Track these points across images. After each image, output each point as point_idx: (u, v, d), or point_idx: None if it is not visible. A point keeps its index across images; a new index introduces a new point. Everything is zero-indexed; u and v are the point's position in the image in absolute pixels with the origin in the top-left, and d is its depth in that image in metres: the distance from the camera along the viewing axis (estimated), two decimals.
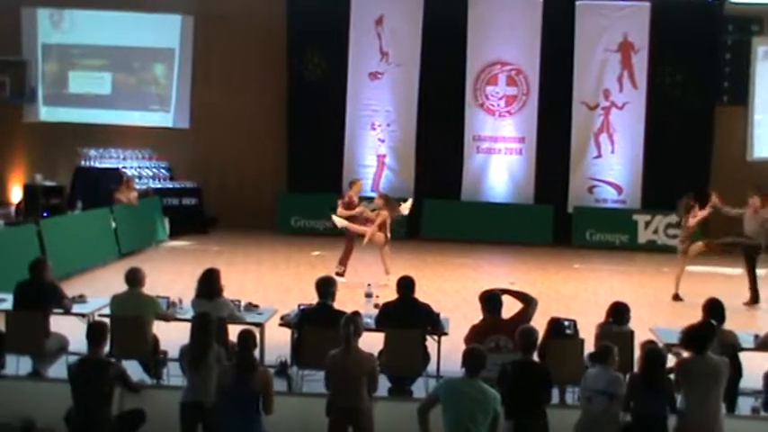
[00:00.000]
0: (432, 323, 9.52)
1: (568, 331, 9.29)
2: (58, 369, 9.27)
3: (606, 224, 21.14)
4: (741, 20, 21.42)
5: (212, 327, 7.98)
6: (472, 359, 7.29)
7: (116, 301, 9.64)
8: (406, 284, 9.66)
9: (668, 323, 10.91)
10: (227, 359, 7.87)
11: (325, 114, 21.65)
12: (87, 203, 18.55)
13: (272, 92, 22.01)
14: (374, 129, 21.86)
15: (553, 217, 21.23)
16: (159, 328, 9.71)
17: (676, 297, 14.84)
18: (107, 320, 8.88)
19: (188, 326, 8.12)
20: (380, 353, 9.03)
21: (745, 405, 9.12)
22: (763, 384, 9.19)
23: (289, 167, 22.13)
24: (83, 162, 20.87)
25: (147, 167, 21.18)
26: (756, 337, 9.64)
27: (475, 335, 8.67)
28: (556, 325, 9.21)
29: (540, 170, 21.52)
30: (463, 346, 7.86)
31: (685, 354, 8.09)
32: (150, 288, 10.04)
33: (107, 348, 8.42)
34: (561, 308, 12.75)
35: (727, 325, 9.08)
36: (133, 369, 9.40)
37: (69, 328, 9.79)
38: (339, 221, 15.68)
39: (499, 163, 21.76)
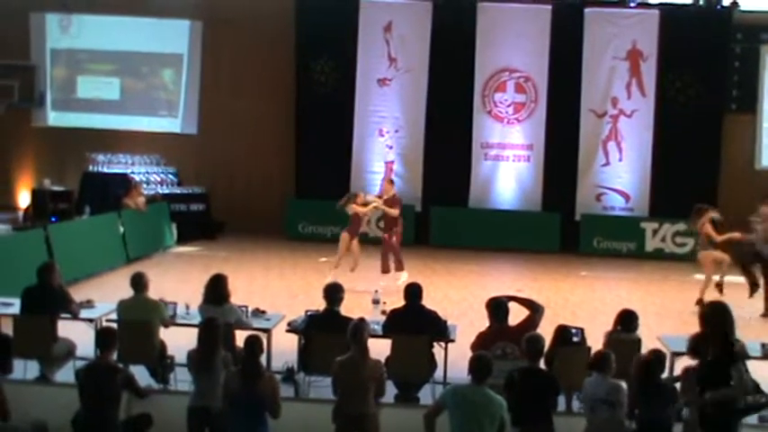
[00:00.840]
0: (439, 330, 9.52)
1: (575, 339, 9.28)
2: (66, 374, 9.30)
3: (614, 232, 21.10)
4: (750, 28, 21.39)
5: (219, 332, 8.00)
6: (479, 366, 7.29)
7: (123, 306, 9.67)
8: (413, 291, 9.67)
9: (676, 331, 10.89)
10: (234, 364, 7.88)
11: (333, 120, 21.67)
12: (95, 209, 18.56)
13: (280, 98, 22.04)
14: (382, 135, 21.87)
15: (560, 224, 21.21)
16: (166, 334, 9.72)
17: (699, 302, 14.50)
18: (115, 326, 8.90)
19: (195, 331, 8.14)
20: (387, 359, 9.05)
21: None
22: None
23: (296, 173, 22.16)
24: (91, 167, 20.90)
25: (155, 173, 21.18)
26: (764, 345, 9.63)
27: (482, 342, 8.68)
28: (563, 332, 9.19)
29: (547, 177, 21.50)
30: (470, 353, 7.86)
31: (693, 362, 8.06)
32: (158, 294, 10.06)
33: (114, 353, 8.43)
34: (568, 315, 12.75)
35: (736, 334, 9.03)
36: (140, 374, 9.43)
37: (77, 333, 9.81)
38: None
39: (507, 170, 21.75)
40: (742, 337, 9.13)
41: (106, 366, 7.78)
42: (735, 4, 21.08)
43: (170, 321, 9.80)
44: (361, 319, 8.10)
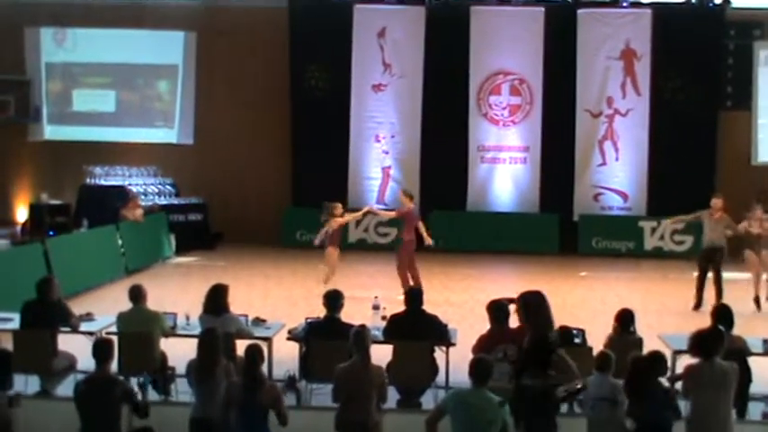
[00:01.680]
0: (439, 334, 9.52)
1: (577, 340, 9.28)
2: (67, 387, 9.27)
3: (612, 231, 21.12)
4: (743, 25, 21.42)
5: (219, 342, 7.98)
6: (479, 369, 7.28)
7: (122, 318, 9.66)
8: (414, 296, 9.69)
9: (676, 329, 10.88)
10: (236, 374, 7.86)
11: (329, 127, 21.65)
12: (93, 221, 18.53)
13: (275, 106, 22.04)
14: (378, 141, 21.88)
15: (559, 225, 21.22)
16: (167, 344, 9.71)
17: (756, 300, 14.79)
18: (112, 337, 8.87)
19: (195, 342, 8.12)
20: (389, 365, 9.04)
21: (755, 410, 9.11)
22: None
23: (293, 181, 22.15)
24: (88, 180, 20.87)
25: (153, 184, 21.16)
26: (765, 341, 9.62)
27: (483, 345, 8.67)
28: (564, 334, 9.19)
29: (544, 179, 21.51)
30: (471, 357, 7.86)
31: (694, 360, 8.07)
32: (158, 305, 10.05)
33: (115, 365, 8.41)
34: (569, 316, 12.70)
35: (736, 330, 9.05)
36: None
37: (77, 347, 9.79)
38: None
39: (504, 172, 21.76)
40: (741, 333, 9.20)
41: (105, 379, 7.69)
42: (727, 2, 21.11)
43: (171, 332, 9.79)
44: (363, 326, 8.11)
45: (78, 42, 22.77)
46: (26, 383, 9.48)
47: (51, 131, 23.04)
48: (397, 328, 9.53)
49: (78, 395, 7.60)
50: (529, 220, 21.37)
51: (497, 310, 8.99)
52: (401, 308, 9.83)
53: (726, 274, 14.86)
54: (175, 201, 21.20)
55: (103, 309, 11.42)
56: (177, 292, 14.70)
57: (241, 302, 11.35)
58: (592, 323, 11.05)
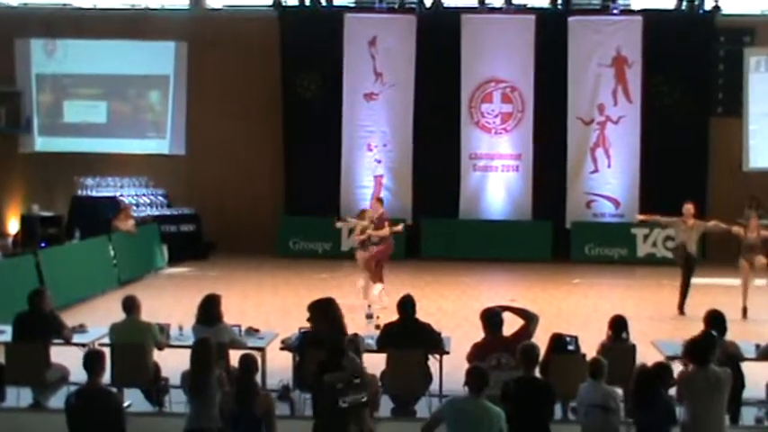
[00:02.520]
0: (433, 342, 9.50)
1: (570, 347, 9.27)
2: (60, 400, 9.21)
3: (605, 238, 21.14)
4: (733, 31, 21.51)
5: (212, 352, 7.94)
6: (475, 378, 7.27)
7: (115, 329, 9.62)
8: (406, 304, 9.65)
9: (670, 336, 10.90)
10: (230, 384, 7.84)
11: (321, 136, 21.65)
12: (85, 233, 18.49)
13: (267, 116, 22.03)
14: (371, 150, 21.88)
15: (551, 233, 21.24)
16: (160, 355, 9.68)
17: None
18: (103, 349, 8.82)
19: (188, 352, 8.09)
20: (383, 373, 9.03)
21: (748, 415, 9.12)
22: (766, 394, 9.18)
23: (286, 190, 22.15)
24: (80, 191, 20.82)
25: (145, 195, 21.13)
26: (758, 346, 9.62)
27: (477, 353, 8.65)
28: (558, 341, 9.19)
29: (537, 186, 21.53)
30: (465, 365, 7.85)
31: (688, 366, 8.07)
32: (151, 315, 10.01)
33: (108, 377, 8.37)
34: (562, 323, 12.73)
35: (729, 335, 9.06)
36: (135, 397, 9.40)
37: (70, 359, 9.74)
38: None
39: (496, 180, 21.79)
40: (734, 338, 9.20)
41: (98, 390, 7.62)
42: (717, 8, 21.19)
43: (164, 343, 9.76)
44: (355, 335, 8.09)
45: (69, 53, 22.76)
46: (18, 396, 9.44)
47: (42, 143, 23.01)
48: (390, 337, 9.51)
49: (69, 408, 7.52)
50: (521, 228, 21.38)
51: (491, 317, 8.97)
52: (395, 316, 9.79)
53: (719, 281, 14.89)
54: (168, 211, 21.16)
55: (96, 320, 11.38)
56: (170, 303, 14.65)
57: (234, 312, 11.33)
58: (585, 330, 11.05)
